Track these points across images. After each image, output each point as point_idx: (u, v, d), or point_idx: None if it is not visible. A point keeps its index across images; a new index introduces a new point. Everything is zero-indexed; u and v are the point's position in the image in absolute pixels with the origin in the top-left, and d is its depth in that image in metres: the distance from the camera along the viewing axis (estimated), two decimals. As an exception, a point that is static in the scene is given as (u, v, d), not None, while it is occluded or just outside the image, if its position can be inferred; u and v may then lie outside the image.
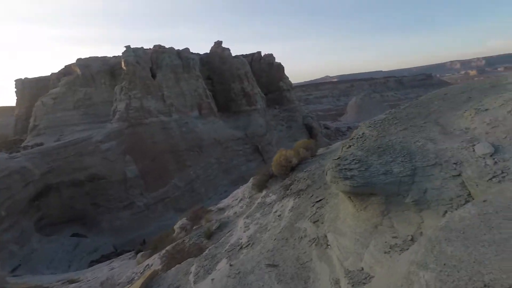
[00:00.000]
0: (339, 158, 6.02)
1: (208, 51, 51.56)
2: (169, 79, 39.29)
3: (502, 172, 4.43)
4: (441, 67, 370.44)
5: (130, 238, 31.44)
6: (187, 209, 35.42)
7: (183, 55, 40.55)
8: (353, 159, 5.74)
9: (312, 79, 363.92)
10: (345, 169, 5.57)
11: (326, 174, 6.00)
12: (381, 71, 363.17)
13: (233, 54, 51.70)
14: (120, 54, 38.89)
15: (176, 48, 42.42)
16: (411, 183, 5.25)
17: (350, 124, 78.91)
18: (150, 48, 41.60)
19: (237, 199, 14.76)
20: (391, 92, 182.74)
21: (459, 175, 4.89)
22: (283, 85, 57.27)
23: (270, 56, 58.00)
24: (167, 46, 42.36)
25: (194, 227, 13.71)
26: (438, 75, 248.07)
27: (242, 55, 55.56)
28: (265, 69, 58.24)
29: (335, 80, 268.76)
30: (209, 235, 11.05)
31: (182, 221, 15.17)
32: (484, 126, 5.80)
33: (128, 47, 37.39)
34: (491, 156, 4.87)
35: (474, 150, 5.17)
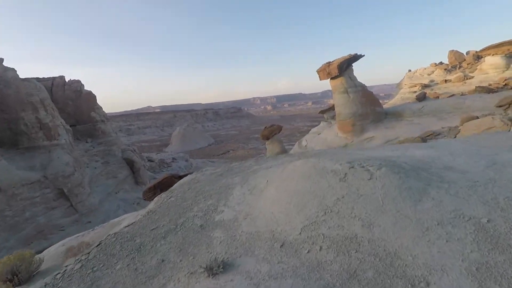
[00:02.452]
0: None
1: (-20, 70, 38.77)
2: None
3: None
4: (246, 102, 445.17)
5: None
6: None
7: None
8: None
9: (134, 108, 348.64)
10: None
11: None
12: (200, 103, 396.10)
13: (24, 77, 41.32)
14: None
15: None
16: None
17: (175, 154, 79.36)
18: None
19: None
20: (211, 122, 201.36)
21: None
22: (95, 115, 50.66)
23: (77, 83, 50.33)
24: None
25: None
26: (245, 109, 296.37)
27: (37, 78, 45.35)
28: (71, 97, 49.80)
29: (158, 110, 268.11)
30: None
31: None
32: None
33: None
34: None
35: None
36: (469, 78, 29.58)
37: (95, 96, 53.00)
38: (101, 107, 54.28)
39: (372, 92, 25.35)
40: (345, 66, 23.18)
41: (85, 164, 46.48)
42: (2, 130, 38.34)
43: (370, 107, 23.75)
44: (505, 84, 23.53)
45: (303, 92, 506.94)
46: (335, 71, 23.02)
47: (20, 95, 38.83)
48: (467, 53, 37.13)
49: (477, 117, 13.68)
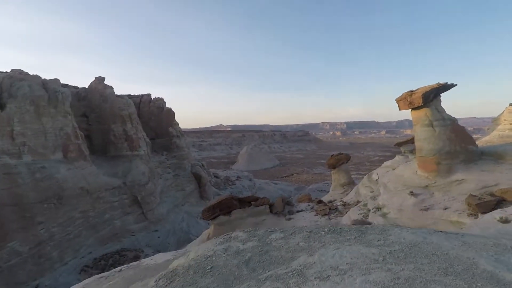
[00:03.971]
0: None
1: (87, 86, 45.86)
2: (25, 113, 31.92)
3: None
4: (315, 126, 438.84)
5: None
6: (28, 282, 27.14)
7: (50, 86, 34.17)
8: None
9: (207, 126, 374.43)
10: None
11: None
12: (269, 124, 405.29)
13: (120, 93, 47.44)
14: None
15: (44, 77, 35.83)
16: None
17: (240, 173, 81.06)
18: (2, 72, 33.65)
19: None
20: (277, 144, 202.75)
21: None
22: (172, 131, 55.07)
23: (160, 100, 55.85)
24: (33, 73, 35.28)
25: None
26: (313, 133, 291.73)
27: (129, 95, 51.61)
28: (154, 113, 55.31)
29: (229, 129, 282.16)
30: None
31: None
32: None
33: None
34: None
35: None
36: None
37: (173, 113, 57.87)
38: (178, 123, 58.92)
39: (464, 127, 21.76)
40: (432, 96, 20.44)
41: (159, 175, 50.27)
42: (96, 139, 44.21)
43: (461, 145, 20.25)
44: None
45: (376, 120, 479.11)
46: (418, 101, 20.43)
47: (113, 110, 44.55)
48: None
49: None
